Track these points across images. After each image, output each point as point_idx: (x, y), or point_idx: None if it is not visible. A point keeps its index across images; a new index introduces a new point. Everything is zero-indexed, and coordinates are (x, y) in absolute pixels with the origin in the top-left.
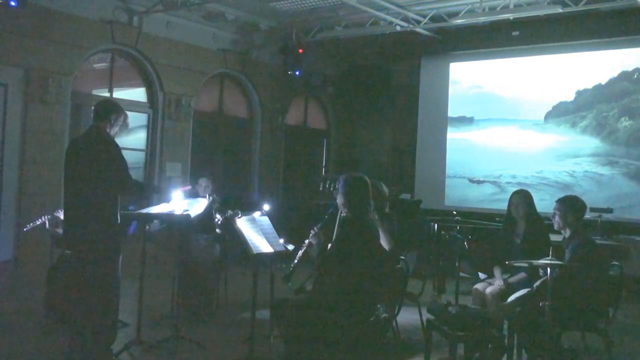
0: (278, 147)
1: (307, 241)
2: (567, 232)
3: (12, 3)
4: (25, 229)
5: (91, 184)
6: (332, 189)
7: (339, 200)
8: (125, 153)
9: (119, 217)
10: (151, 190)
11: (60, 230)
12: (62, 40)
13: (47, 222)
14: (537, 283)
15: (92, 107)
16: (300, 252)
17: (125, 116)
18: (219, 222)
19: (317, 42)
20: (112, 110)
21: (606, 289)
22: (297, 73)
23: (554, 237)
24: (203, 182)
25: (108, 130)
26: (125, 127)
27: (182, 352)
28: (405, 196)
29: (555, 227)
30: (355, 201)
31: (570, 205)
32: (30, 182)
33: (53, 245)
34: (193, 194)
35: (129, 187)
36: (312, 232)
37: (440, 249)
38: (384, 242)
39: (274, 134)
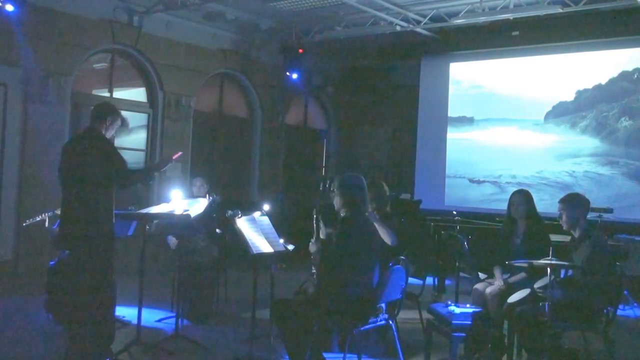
0: (278, 147)
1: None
2: (577, 232)
3: (9, 8)
4: (24, 224)
5: (85, 184)
6: (332, 190)
7: (336, 201)
8: (125, 153)
9: (113, 217)
10: (151, 170)
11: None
12: (62, 40)
13: (47, 219)
14: (538, 284)
15: (91, 109)
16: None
17: (123, 119)
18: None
19: (317, 42)
20: (108, 113)
21: (607, 288)
22: (296, 76)
23: (554, 237)
24: (198, 182)
25: (103, 132)
26: (125, 128)
27: (182, 352)
28: (405, 196)
29: (565, 227)
30: (353, 200)
31: (574, 202)
32: (30, 182)
33: (53, 245)
34: (188, 194)
35: (131, 179)
36: (311, 243)
37: (440, 249)
38: (387, 239)
39: (274, 134)
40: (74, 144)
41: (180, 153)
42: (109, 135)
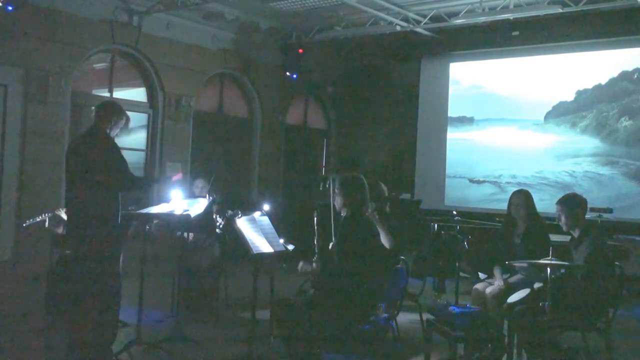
0: (278, 147)
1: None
2: (577, 232)
3: (9, 8)
4: (24, 224)
5: (91, 184)
6: (332, 190)
7: (337, 201)
8: (125, 153)
9: (119, 217)
10: (151, 183)
11: (59, 230)
12: (62, 40)
13: (47, 219)
14: (538, 284)
15: (93, 108)
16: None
17: (127, 118)
18: (220, 225)
19: (317, 42)
20: (113, 112)
21: (607, 289)
22: (294, 76)
23: (554, 237)
24: (199, 183)
25: (108, 132)
26: (125, 129)
27: (182, 352)
28: (405, 196)
29: (565, 228)
30: (354, 200)
31: (573, 202)
32: (30, 182)
33: (53, 245)
34: (190, 195)
35: (130, 184)
36: (301, 264)
37: (440, 249)
38: (385, 241)
39: (274, 134)
40: (78, 144)
41: (180, 174)
42: (113, 134)
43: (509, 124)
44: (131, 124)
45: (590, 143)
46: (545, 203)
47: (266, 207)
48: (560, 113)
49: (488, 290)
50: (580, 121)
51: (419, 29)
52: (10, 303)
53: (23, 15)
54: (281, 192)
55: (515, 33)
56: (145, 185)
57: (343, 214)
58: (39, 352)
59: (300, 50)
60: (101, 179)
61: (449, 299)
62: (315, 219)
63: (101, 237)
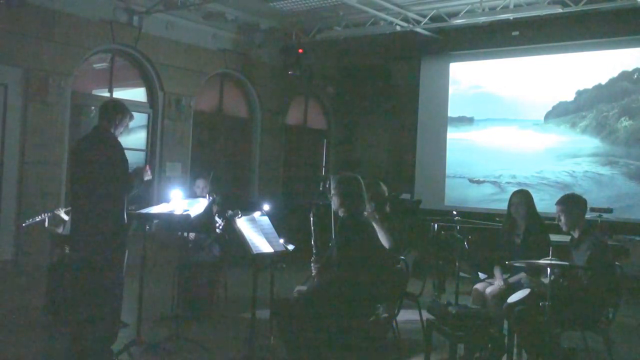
0: (278, 147)
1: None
2: (577, 232)
3: (9, 7)
4: (24, 224)
5: (98, 185)
6: (330, 190)
7: (334, 201)
8: (125, 153)
9: (125, 217)
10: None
11: (59, 230)
12: (62, 40)
13: (46, 219)
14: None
15: (95, 107)
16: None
17: (131, 117)
18: (221, 227)
19: (317, 42)
20: (118, 111)
21: (607, 289)
22: (296, 76)
23: (554, 238)
24: (200, 183)
25: (112, 131)
26: (126, 127)
27: (182, 352)
28: (405, 196)
29: (564, 228)
30: (351, 201)
31: (572, 203)
32: (30, 182)
33: (53, 245)
34: (190, 195)
35: (132, 187)
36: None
37: (440, 249)
38: (384, 241)
39: (274, 134)
40: (83, 144)
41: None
42: (118, 133)
43: (509, 124)
44: (131, 124)
45: (590, 143)
46: (545, 203)
47: (266, 207)
48: (560, 113)
49: (488, 290)
50: (580, 121)
51: (419, 29)
52: (10, 302)
53: (23, 15)
54: (281, 192)
55: (515, 33)
56: (139, 182)
57: (340, 214)
58: (39, 351)
59: (300, 50)
60: (108, 179)
61: (449, 299)
62: (311, 219)
63: (108, 237)
